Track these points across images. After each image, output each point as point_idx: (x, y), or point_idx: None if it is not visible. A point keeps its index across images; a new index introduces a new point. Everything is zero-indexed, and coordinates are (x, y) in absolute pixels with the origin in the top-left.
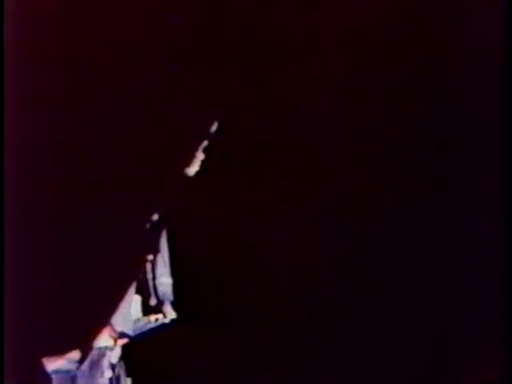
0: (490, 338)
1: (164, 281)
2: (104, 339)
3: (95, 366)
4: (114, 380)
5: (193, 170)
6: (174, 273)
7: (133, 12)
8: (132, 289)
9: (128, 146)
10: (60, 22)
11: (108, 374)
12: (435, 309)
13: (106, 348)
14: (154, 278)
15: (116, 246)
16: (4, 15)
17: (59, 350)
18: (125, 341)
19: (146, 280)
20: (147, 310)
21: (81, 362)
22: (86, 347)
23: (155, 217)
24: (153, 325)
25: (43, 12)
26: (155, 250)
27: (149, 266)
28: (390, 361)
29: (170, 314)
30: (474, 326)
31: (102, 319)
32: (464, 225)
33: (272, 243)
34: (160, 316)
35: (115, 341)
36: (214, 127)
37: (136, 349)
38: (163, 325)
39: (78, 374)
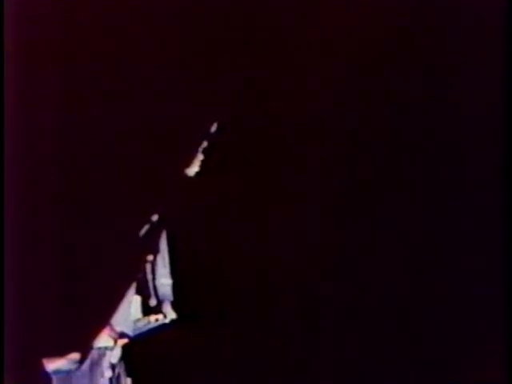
0: (490, 338)
1: (164, 281)
2: (104, 339)
3: (95, 366)
4: (114, 380)
5: (193, 170)
6: (174, 273)
7: (133, 13)
8: (132, 289)
9: (128, 147)
10: (60, 22)
11: (108, 373)
12: (435, 309)
13: (106, 348)
14: (153, 279)
15: (116, 246)
16: (4, 15)
17: (59, 350)
18: (125, 341)
19: (146, 280)
20: (147, 310)
21: (81, 362)
22: (86, 347)
23: (155, 217)
24: (153, 325)
25: (43, 13)
26: (155, 251)
27: (149, 267)
28: (390, 360)
29: (170, 315)
30: (474, 325)
31: (102, 319)
32: (464, 226)
33: (272, 243)
34: (160, 316)
35: (115, 341)
36: (213, 128)
37: (136, 349)
38: (163, 325)
39: (78, 373)
